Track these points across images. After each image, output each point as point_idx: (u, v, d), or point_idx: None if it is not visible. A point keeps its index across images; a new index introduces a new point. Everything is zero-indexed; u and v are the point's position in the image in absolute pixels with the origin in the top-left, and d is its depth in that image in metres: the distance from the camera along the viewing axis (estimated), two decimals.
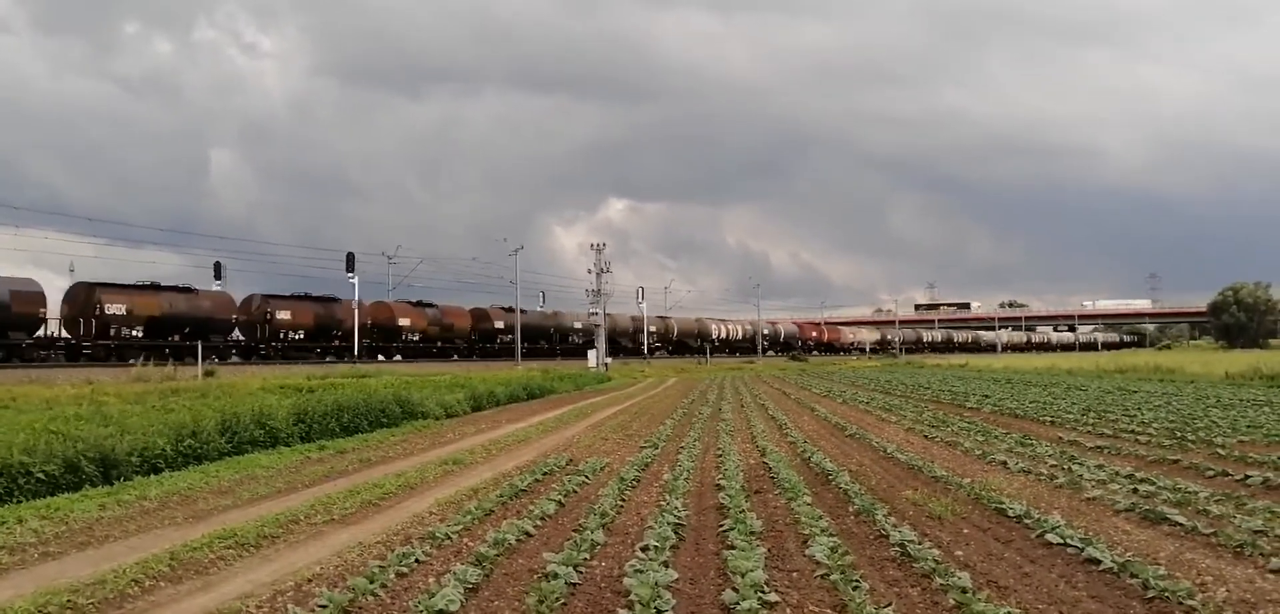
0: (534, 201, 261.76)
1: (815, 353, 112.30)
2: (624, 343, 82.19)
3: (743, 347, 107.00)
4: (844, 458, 14.22)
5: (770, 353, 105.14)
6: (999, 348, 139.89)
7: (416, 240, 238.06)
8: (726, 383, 44.42)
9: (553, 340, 77.19)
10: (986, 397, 29.19)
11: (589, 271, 68.44)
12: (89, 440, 12.69)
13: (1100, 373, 47.02)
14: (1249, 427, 17.51)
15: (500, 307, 71.17)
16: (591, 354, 63.18)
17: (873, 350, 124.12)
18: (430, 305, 64.68)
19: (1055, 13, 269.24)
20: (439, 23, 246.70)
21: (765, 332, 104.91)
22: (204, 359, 42.34)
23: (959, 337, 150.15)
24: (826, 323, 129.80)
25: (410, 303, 63.76)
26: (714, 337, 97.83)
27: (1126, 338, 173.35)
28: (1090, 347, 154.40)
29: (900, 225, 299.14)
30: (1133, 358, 71.46)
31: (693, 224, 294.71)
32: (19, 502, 10.78)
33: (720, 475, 12.15)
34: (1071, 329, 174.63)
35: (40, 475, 11.50)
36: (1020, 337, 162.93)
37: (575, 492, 11.23)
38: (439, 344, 64.17)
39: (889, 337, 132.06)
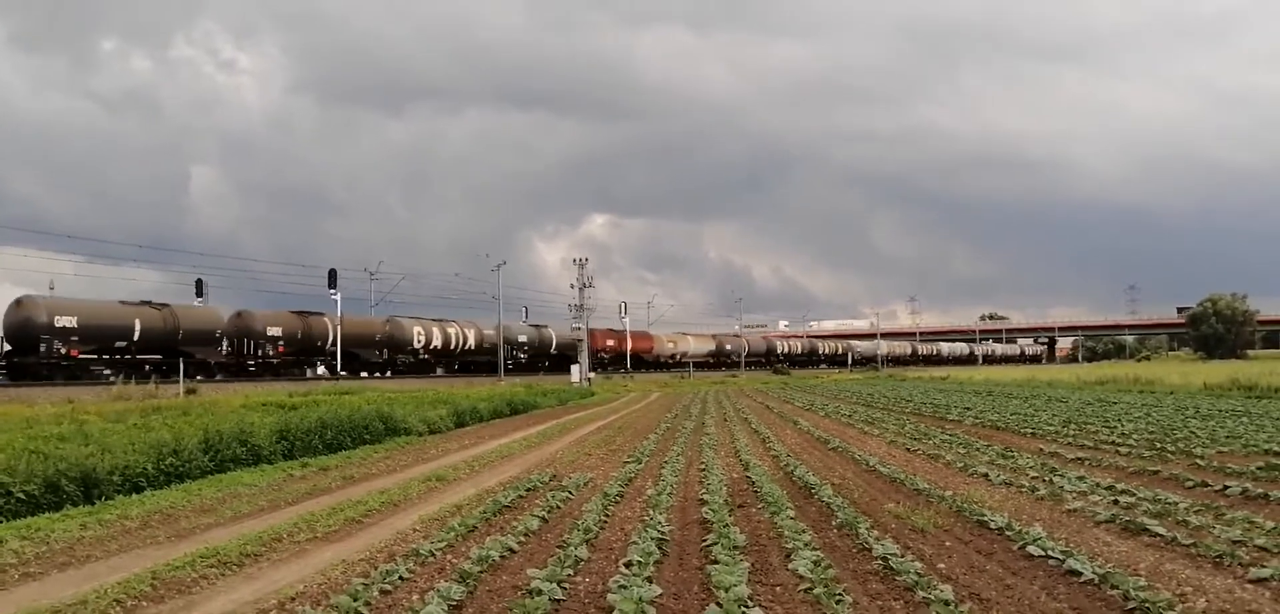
0: (516, 217, 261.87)
1: (612, 368, 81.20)
2: (605, 358, 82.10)
3: (711, 361, 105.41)
4: (826, 471, 14.27)
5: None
6: (881, 363, 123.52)
7: (399, 256, 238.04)
8: (709, 397, 44.46)
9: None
10: (968, 409, 29.32)
11: (572, 286, 68.35)
12: (70, 459, 12.61)
13: (1080, 384, 47.32)
14: (1227, 437, 17.67)
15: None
16: (574, 369, 63.08)
17: (707, 365, 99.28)
18: None
19: (1027, 31, 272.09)
20: (417, 40, 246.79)
21: (521, 339, 72.65)
22: None
23: (825, 348, 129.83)
24: (635, 333, 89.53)
25: None
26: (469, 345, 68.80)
27: (1099, 348, 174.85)
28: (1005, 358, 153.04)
29: (881, 240, 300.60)
30: (1112, 369, 71.97)
31: (674, 239, 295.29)
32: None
33: (703, 490, 12.17)
34: (1051, 342, 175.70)
35: (21, 495, 11.42)
36: (902, 348, 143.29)
37: (559, 507, 11.23)
38: None
39: (728, 347, 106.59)
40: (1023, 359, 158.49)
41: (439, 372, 62.74)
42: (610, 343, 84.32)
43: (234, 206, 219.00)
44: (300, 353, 53.23)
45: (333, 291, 57.65)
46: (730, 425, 24.73)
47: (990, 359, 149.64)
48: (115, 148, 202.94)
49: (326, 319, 55.03)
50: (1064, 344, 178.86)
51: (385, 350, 58.96)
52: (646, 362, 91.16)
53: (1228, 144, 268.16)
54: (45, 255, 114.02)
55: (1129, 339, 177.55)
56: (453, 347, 64.17)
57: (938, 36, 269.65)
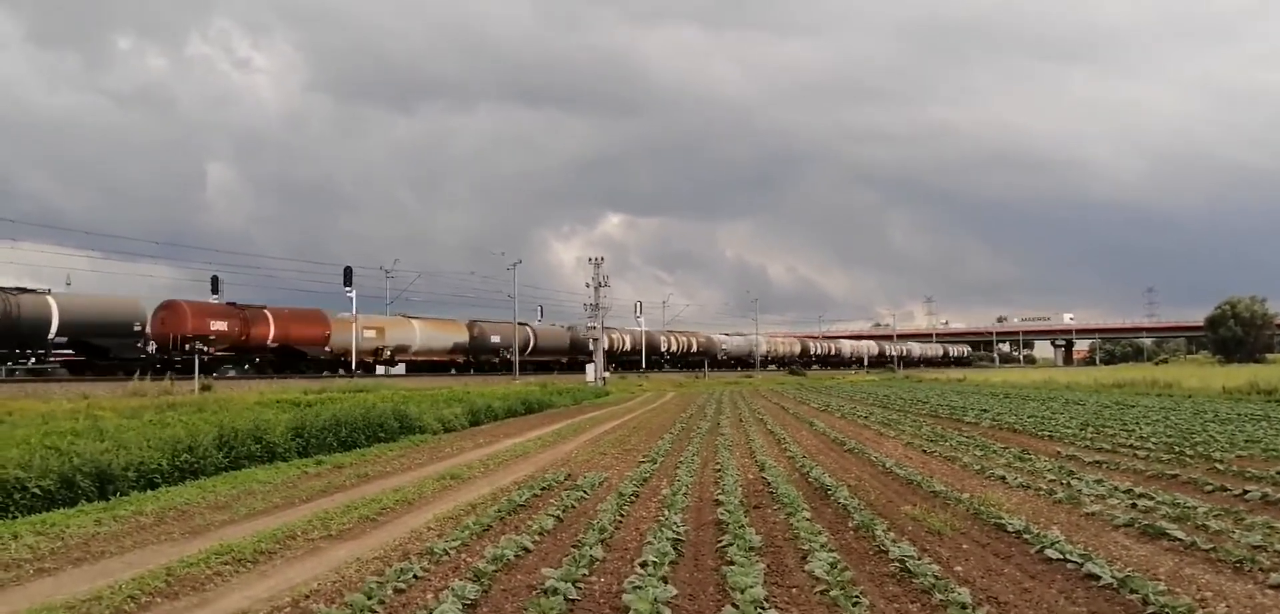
0: (530, 216, 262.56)
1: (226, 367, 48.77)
2: (621, 358, 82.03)
3: (731, 361, 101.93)
4: (842, 472, 14.20)
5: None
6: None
7: (414, 254, 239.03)
8: (724, 397, 44.41)
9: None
10: (985, 411, 29.17)
11: (587, 285, 68.22)
12: (85, 455, 12.65)
13: (1098, 387, 47.05)
14: (1247, 441, 17.51)
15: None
16: (589, 369, 63.10)
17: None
18: None
19: (1034, 30, 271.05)
20: (429, 38, 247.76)
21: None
22: None
23: (700, 342, 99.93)
24: (292, 313, 52.48)
25: None
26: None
27: (1117, 351, 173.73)
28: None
29: (895, 239, 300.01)
30: (1130, 372, 71.50)
31: (689, 238, 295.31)
32: (14, 517, 10.75)
33: (719, 490, 12.12)
34: (1068, 344, 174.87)
35: (36, 490, 11.46)
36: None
37: (573, 507, 11.20)
38: None
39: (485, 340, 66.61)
40: (946, 360, 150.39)
41: None
42: (221, 327, 47.43)
43: (248, 203, 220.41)
44: None
45: (348, 289, 57.87)
46: (745, 426, 24.66)
47: (908, 360, 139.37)
48: (130, 144, 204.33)
49: None
50: (1082, 347, 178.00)
51: None
52: (313, 360, 52.87)
53: (1244, 144, 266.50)
54: (62, 251, 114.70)
55: (1147, 342, 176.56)
56: None
57: (948, 35, 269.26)
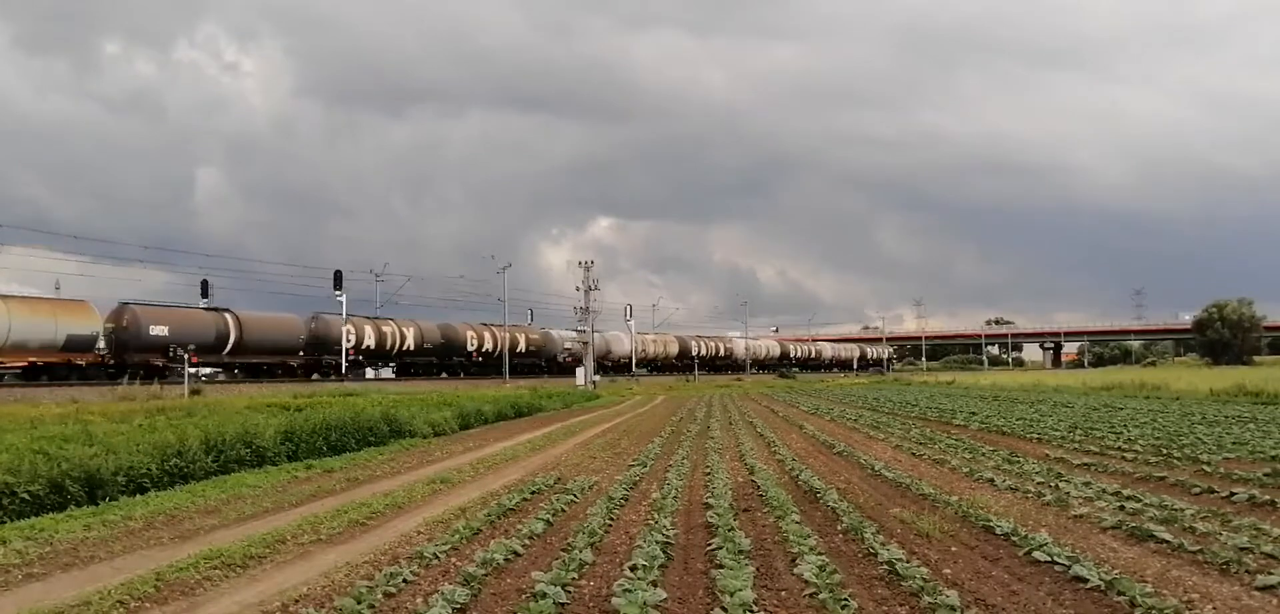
0: (520, 220, 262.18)
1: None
2: (611, 361, 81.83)
3: (723, 365, 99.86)
4: (832, 476, 14.22)
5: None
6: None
7: (404, 258, 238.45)
8: (714, 400, 44.45)
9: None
10: (973, 414, 29.23)
11: (577, 289, 68.18)
12: (74, 460, 12.63)
13: (1087, 390, 47.22)
14: (1234, 443, 17.59)
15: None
16: (579, 372, 63.10)
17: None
18: None
19: (1022, 36, 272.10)
20: (418, 44, 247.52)
21: None
22: None
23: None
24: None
25: None
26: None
27: (1106, 354, 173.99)
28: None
29: (885, 243, 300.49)
30: (1119, 375, 71.76)
31: (679, 242, 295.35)
32: (3, 522, 10.72)
33: (708, 494, 12.13)
34: (1057, 347, 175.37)
35: (25, 495, 11.43)
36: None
37: (564, 511, 11.20)
38: None
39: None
40: (866, 363, 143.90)
41: None
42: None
43: (239, 208, 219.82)
44: None
45: (338, 293, 57.80)
46: (735, 429, 24.68)
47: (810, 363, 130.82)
48: (120, 150, 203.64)
49: None
50: (1070, 349, 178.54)
51: None
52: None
53: (1225, 149, 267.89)
54: (53, 256, 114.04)
55: (1135, 344, 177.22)
56: None
57: (937, 42, 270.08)
